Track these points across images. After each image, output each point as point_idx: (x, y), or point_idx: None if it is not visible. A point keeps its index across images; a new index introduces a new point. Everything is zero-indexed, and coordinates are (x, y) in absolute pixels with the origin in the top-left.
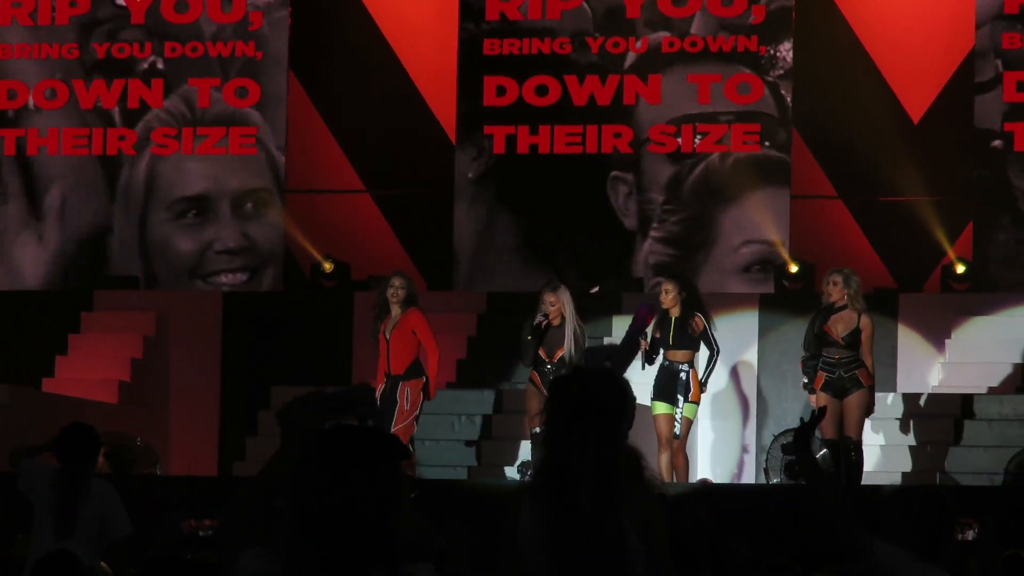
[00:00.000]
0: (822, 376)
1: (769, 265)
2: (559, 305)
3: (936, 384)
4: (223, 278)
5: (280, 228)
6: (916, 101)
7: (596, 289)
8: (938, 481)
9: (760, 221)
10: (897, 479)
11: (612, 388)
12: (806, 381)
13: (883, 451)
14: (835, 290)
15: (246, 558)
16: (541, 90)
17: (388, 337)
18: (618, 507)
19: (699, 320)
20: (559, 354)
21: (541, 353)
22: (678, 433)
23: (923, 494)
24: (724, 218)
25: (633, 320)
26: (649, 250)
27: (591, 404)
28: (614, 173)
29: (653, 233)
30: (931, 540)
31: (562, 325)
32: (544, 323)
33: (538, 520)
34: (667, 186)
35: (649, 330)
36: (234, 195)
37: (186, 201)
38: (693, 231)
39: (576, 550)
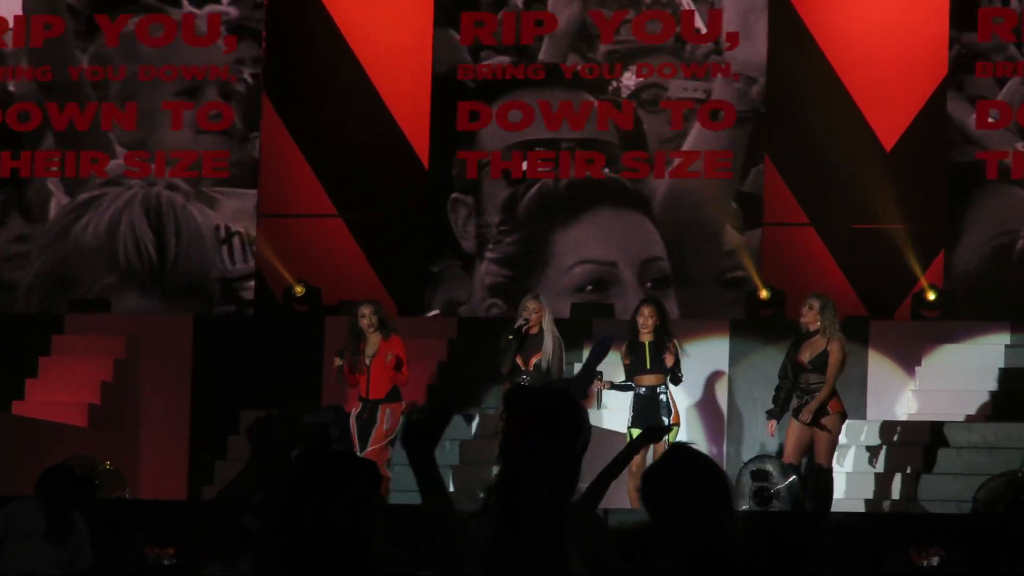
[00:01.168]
0: (794, 402)
1: (603, 284)
2: (540, 313)
3: (906, 412)
4: None
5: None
6: (889, 129)
7: (436, 312)
8: (906, 509)
9: (598, 242)
10: (876, 507)
11: (567, 405)
12: (771, 408)
13: (853, 478)
14: (809, 314)
15: (209, 573)
16: (515, 115)
17: (369, 364)
18: (562, 526)
19: (674, 346)
20: (535, 360)
21: (518, 361)
22: None
23: (863, 523)
24: (557, 239)
25: (593, 351)
26: (485, 271)
27: (544, 418)
28: (454, 195)
29: (489, 254)
30: (872, 569)
31: (540, 334)
32: (525, 328)
33: (485, 533)
34: (503, 207)
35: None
36: None
37: None
38: (527, 252)
39: (515, 565)
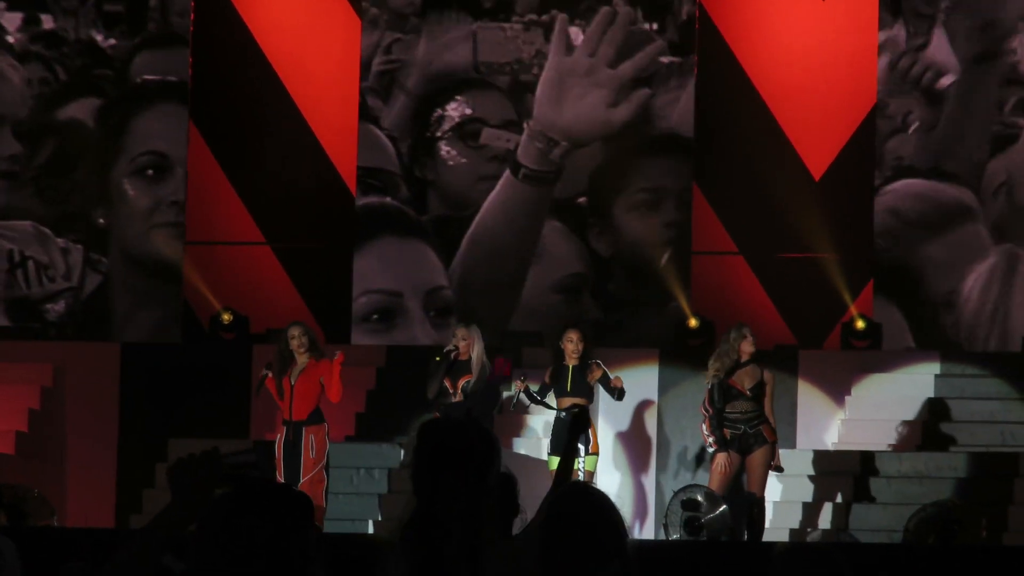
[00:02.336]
0: (727, 433)
1: (389, 314)
2: (469, 341)
3: (836, 441)
4: None
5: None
6: (817, 158)
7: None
8: (836, 538)
9: (383, 271)
10: (800, 536)
11: (478, 437)
12: (713, 439)
13: (783, 507)
14: (748, 344)
15: None
16: None
17: (293, 384)
18: (480, 559)
19: (598, 367)
20: (463, 382)
21: (446, 383)
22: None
23: (815, 552)
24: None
25: (491, 372)
26: None
27: (456, 453)
28: None
29: None
30: None
31: (469, 361)
32: (454, 354)
33: (402, 570)
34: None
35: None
36: None
37: None
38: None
39: None
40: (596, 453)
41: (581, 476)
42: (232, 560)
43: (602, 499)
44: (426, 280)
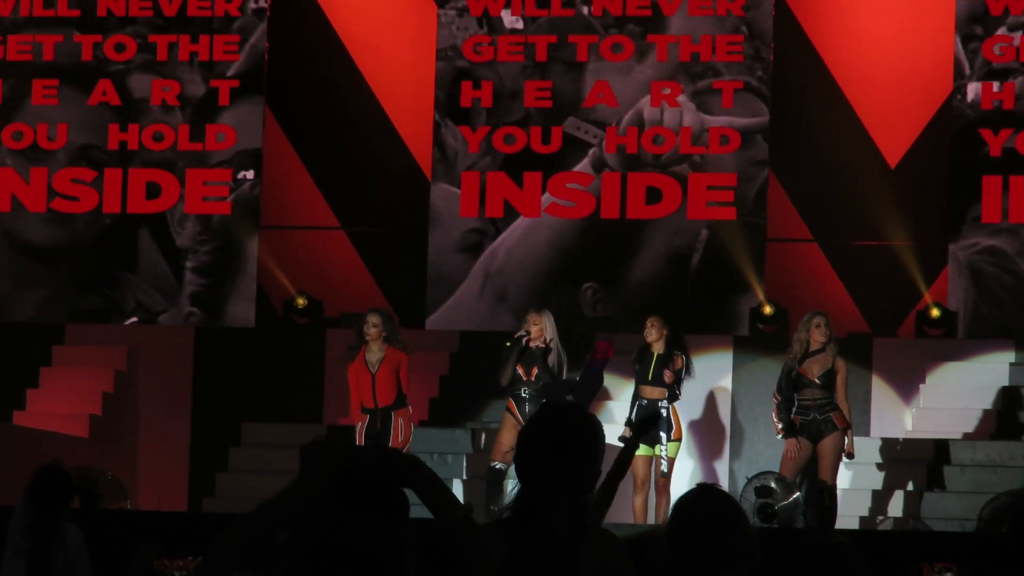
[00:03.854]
0: (797, 420)
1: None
2: (541, 326)
3: (909, 429)
4: None
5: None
6: (893, 145)
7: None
8: (911, 526)
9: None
10: (870, 524)
11: (584, 427)
12: (781, 426)
13: (856, 496)
14: (820, 330)
15: None
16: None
17: (374, 372)
18: (579, 551)
19: (680, 359)
20: (536, 371)
21: (519, 370)
22: (665, 471)
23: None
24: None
25: (592, 354)
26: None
27: (564, 445)
28: None
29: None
30: None
31: (543, 347)
32: (525, 339)
33: (500, 558)
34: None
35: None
36: None
37: None
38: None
39: None
40: (679, 439)
41: (664, 464)
42: (331, 546)
43: (727, 501)
44: None
